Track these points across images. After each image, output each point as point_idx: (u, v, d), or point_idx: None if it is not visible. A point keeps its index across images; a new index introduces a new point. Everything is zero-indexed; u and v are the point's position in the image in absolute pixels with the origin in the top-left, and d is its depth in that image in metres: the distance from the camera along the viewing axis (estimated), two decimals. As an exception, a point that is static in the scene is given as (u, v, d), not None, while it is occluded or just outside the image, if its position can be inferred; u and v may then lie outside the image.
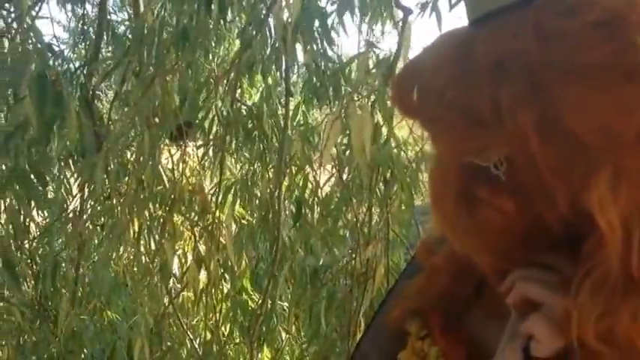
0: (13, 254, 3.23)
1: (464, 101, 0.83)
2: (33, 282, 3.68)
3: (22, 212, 3.34)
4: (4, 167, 3.17)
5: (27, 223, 3.51)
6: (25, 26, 2.56)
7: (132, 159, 3.36)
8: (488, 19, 0.84)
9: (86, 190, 3.52)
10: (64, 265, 3.66)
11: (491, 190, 0.86)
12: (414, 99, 0.89)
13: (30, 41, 2.56)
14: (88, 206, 3.60)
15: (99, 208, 3.59)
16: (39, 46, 2.54)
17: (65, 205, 3.67)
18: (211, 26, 3.23)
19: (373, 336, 1.23)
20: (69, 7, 4.11)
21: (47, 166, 3.00)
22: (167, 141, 3.38)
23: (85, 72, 3.60)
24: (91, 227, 3.64)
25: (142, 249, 3.53)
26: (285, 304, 3.53)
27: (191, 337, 3.69)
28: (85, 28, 4.16)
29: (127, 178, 3.39)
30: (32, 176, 2.80)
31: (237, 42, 4.10)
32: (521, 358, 0.89)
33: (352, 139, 2.51)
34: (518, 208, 0.86)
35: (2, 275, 3.28)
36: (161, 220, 3.39)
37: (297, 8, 2.58)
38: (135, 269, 3.59)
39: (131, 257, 3.57)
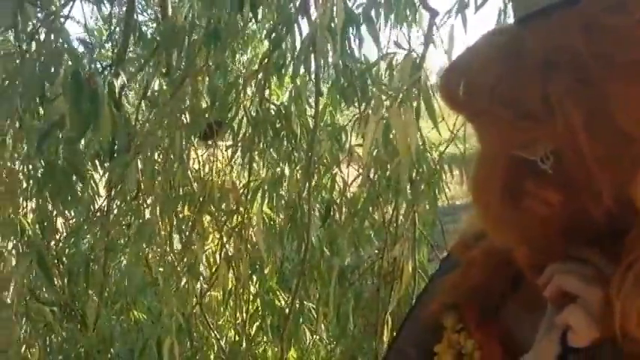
0: (45, 253, 3.25)
1: (513, 95, 0.84)
2: (59, 282, 3.70)
3: (54, 212, 3.36)
4: (33, 166, 3.21)
5: (55, 223, 3.53)
6: (53, 26, 2.57)
7: (159, 159, 3.37)
8: (535, 17, 0.85)
9: (113, 190, 3.54)
10: (91, 264, 3.68)
11: (538, 183, 0.88)
12: (462, 93, 0.90)
13: (59, 41, 2.58)
14: (114, 206, 3.62)
15: (124, 207, 3.60)
16: (68, 44, 2.55)
17: (92, 206, 3.68)
18: (240, 27, 3.24)
19: (409, 331, 1.24)
20: (95, 6, 4.11)
21: (82, 164, 3.02)
22: (196, 141, 3.40)
23: (112, 72, 3.61)
24: (117, 227, 3.66)
25: (169, 249, 3.55)
26: (311, 305, 3.53)
27: (217, 336, 3.71)
28: (112, 28, 4.18)
29: (155, 178, 3.40)
30: (71, 174, 2.82)
31: (265, 43, 4.12)
32: (558, 349, 0.90)
33: (397, 139, 2.51)
34: (564, 201, 0.88)
35: (35, 274, 3.31)
36: (190, 220, 3.40)
37: (341, 7, 2.59)
38: (161, 269, 3.61)
39: (157, 257, 3.59)
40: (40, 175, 3.18)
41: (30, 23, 2.83)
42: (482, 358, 1.04)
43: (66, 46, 2.51)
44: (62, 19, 2.71)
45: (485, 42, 0.93)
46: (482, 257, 1.09)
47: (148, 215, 3.49)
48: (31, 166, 3.22)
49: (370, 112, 2.69)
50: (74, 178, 2.97)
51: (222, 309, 3.85)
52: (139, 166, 3.27)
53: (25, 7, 2.50)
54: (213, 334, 3.67)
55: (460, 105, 0.94)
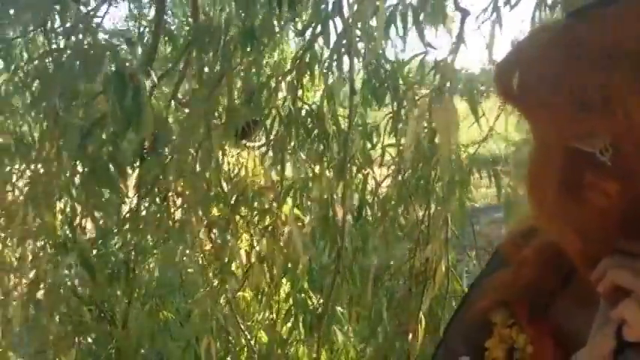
0: (90, 253, 3.27)
1: (571, 88, 0.84)
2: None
3: (95, 210, 3.37)
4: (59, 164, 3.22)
5: (95, 222, 3.54)
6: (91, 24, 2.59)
7: (191, 160, 3.37)
8: (590, 9, 0.85)
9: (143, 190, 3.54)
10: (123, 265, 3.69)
11: (597, 175, 0.88)
12: (516, 86, 0.90)
13: (99, 39, 2.60)
14: (143, 208, 3.63)
15: (154, 208, 3.61)
16: (108, 42, 2.57)
17: (124, 206, 3.69)
18: (275, 26, 3.24)
19: (457, 328, 1.24)
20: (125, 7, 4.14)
21: (125, 161, 3.03)
22: (230, 141, 3.40)
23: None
24: (147, 228, 3.66)
25: (200, 249, 3.55)
26: (339, 308, 3.52)
27: (248, 336, 3.70)
28: (142, 29, 4.19)
29: (189, 179, 3.40)
30: (114, 172, 2.83)
31: (291, 44, 4.13)
32: (613, 344, 0.90)
33: (439, 136, 2.52)
34: (622, 191, 0.87)
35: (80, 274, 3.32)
36: (223, 220, 3.40)
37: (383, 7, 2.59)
38: (191, 270, 3.61)
39: (189, 258, 3.59)
40: (68, 175, 3.20)
41: (52, 21, 2.86)
42: (535, 353, 1.04)
43: (111, 42, 2.52)
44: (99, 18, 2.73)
45: (537, 36, 0.93)
46: (534, 256, 1.08)
47: (178, 216, 3.51)
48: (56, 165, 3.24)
49: (411, 110, 2.68)
50: (121, 174, 2.98)
51: (251, 309, 3.86)
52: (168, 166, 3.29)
53: (67, 3, 2.51)
54: (244, 335, 3.67)
55: (515, 98, 0.94)
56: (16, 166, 3.42)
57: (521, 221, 1.14)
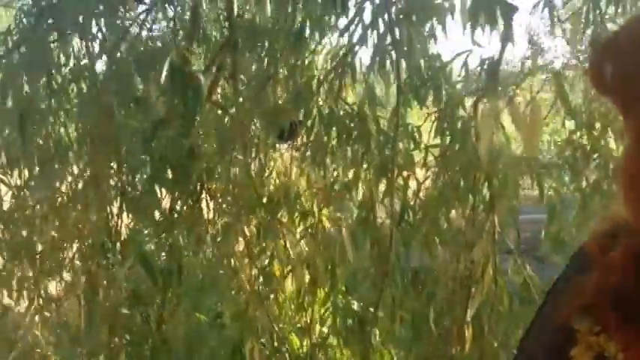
0: (146, 251, 3.28)
1: None
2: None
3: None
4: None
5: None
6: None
7: (232, 161, 3.36)
8: None
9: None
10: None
11: None
12: (614, 78, 0.87)
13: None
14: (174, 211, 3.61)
15: (186, 210, 3.59)
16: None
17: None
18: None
19: (539, 332, 1.21)
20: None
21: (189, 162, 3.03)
22: (272, 141, 3.39)
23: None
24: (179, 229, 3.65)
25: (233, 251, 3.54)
26: (379, 312, 3.48)
27: (281, 339, 3.68)
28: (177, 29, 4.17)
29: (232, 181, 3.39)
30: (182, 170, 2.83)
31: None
32: None
33: (524, 135, 2.48)
34: None
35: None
36: (265, 221, 3.39)
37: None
38: (221, 272, 3.60)
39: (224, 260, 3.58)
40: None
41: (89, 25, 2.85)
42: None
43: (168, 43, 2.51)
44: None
45: (633, 27, 0.89)
46: (622, 258, 1.04)
47: (211, 217, 3.51)
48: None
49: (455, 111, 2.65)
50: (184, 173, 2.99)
51: (283, 312, 3.85)
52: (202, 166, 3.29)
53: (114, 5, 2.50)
54: (280, 339, 3.65)
55: (611, 91, 0.91)
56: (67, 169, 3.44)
57: (606, 221, 1.09)
